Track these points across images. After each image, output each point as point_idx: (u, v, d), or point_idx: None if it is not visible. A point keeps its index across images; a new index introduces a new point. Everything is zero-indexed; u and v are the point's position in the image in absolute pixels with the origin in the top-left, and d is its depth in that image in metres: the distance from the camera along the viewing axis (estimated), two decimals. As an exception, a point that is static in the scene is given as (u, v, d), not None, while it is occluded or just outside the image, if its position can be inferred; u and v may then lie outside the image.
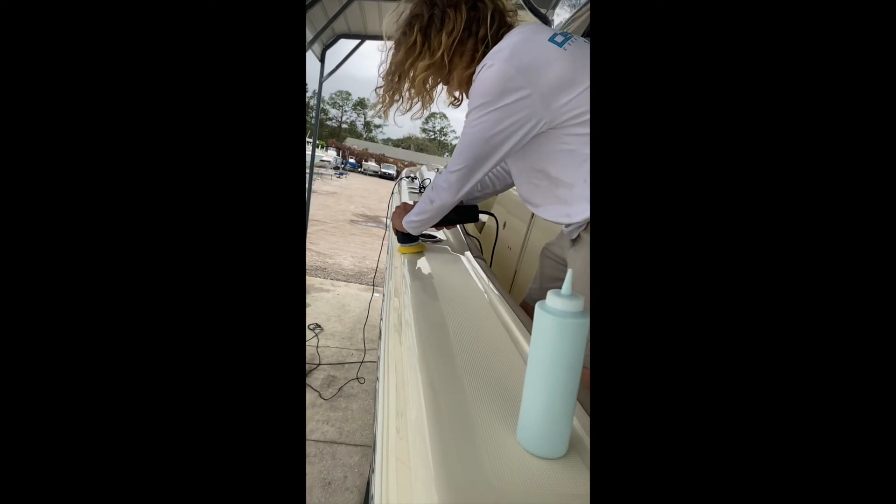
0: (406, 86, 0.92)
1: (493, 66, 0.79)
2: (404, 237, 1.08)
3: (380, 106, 0.95)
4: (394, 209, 1.12)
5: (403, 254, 1.08)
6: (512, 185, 1.11)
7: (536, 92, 0.78)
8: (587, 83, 0.78)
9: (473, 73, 0.84)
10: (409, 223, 1.02)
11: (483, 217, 1.24)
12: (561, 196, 0.87)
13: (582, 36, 0.95)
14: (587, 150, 0.80)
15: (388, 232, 1.31)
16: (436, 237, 1.28)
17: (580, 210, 0.85)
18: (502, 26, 0.89)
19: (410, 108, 0.95)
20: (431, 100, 0.95)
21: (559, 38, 0.81)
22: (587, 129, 0.79)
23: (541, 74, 0.78)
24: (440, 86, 0.95)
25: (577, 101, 0.78)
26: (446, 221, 1.07)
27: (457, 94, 0.97)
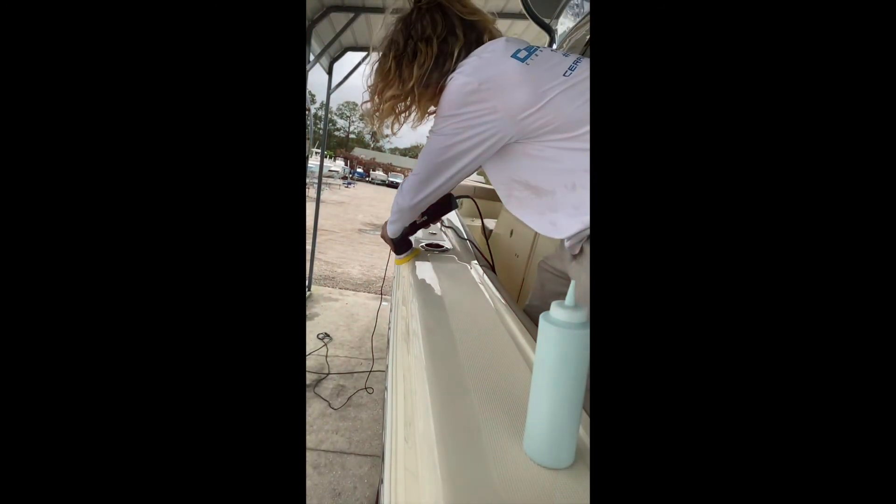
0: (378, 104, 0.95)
1: (456, 78, 0.81)
2: (397, 247, 1.16)
3: (370, 119, 0.98)
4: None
5: (400, 264, 1.16)
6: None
7: (500, 105, 0.78)
8: (552, 94, 0.77)
9: (436, 103, 0.86)
10: (389, 225, 1.10)
11: (461, 198, 1.31)
12: (544, 205, 0.85)
13: (581, 54, 0.95)
14: (563, 156, 0.80)
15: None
16: (442, 246, 1.29)
17: (565, 218, 0.82)
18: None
19: (398, 125, 0.98)
20: (401, 125, 0.99)
21: (522, 54, 0.81)
22: (560, 135, 0.79)
23: (503, 88, 0.78)
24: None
25: (541, 112, 0.78)
26: (430, 217, 1.16)
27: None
